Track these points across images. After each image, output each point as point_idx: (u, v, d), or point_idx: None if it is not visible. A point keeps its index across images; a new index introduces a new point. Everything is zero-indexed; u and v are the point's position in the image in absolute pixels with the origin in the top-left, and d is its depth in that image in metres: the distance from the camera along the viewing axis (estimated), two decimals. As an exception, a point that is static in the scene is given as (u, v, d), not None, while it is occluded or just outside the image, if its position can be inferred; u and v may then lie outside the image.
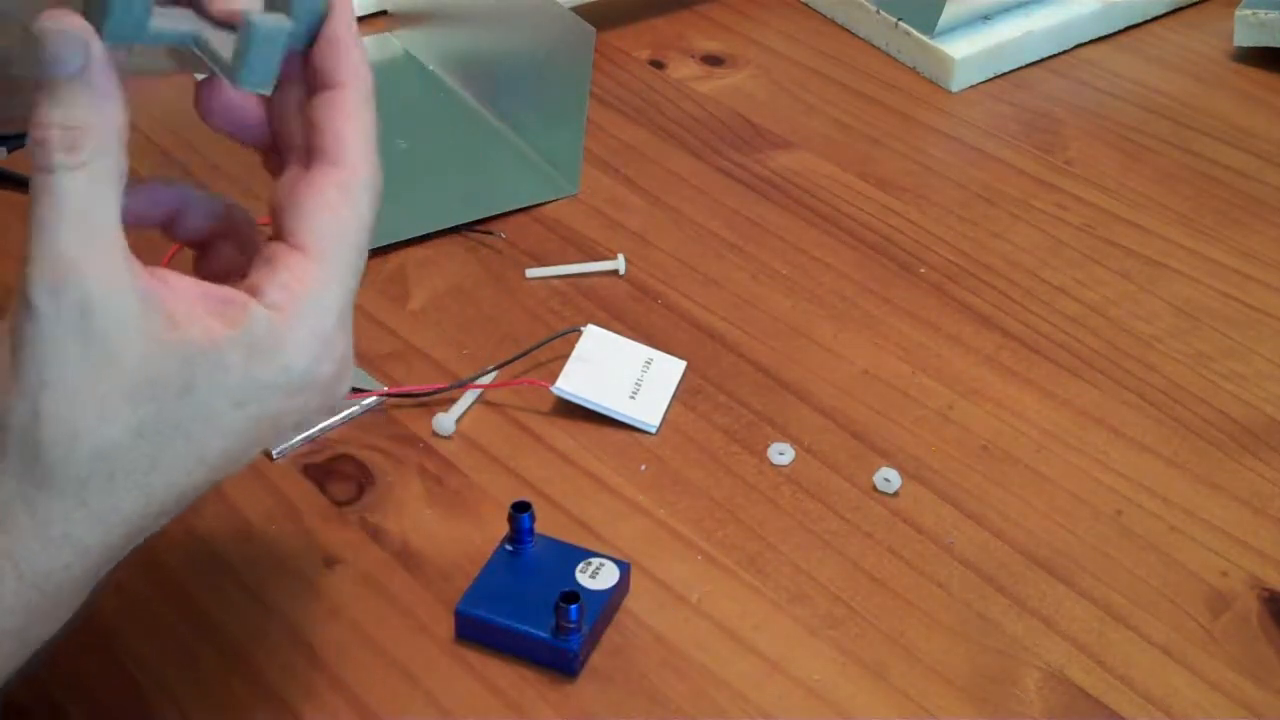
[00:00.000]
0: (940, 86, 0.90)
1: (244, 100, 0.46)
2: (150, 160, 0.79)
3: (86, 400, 0.40)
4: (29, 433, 0.39)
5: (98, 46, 0.40)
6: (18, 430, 0.39)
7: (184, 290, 0.41)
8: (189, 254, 0.49)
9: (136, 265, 0.41)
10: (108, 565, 0.42)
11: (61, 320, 0.39)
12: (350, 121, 0.44)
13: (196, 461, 0.42)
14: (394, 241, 0.74)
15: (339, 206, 0.43)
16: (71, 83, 0.40)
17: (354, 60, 0.44)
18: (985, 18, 0.93)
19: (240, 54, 0.42)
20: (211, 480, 0.43)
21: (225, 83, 0.43)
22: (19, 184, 0.62)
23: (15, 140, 0.54)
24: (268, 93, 0.45)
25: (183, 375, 0.40)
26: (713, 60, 0.92)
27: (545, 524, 0.58)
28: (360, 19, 0.92)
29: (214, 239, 0.48)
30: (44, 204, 0.39)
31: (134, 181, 0.42)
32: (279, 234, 0.44)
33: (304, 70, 0.45)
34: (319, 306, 0.42)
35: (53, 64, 0.40)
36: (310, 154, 0.44)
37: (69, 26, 0.40)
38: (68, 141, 0.40)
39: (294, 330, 0.42)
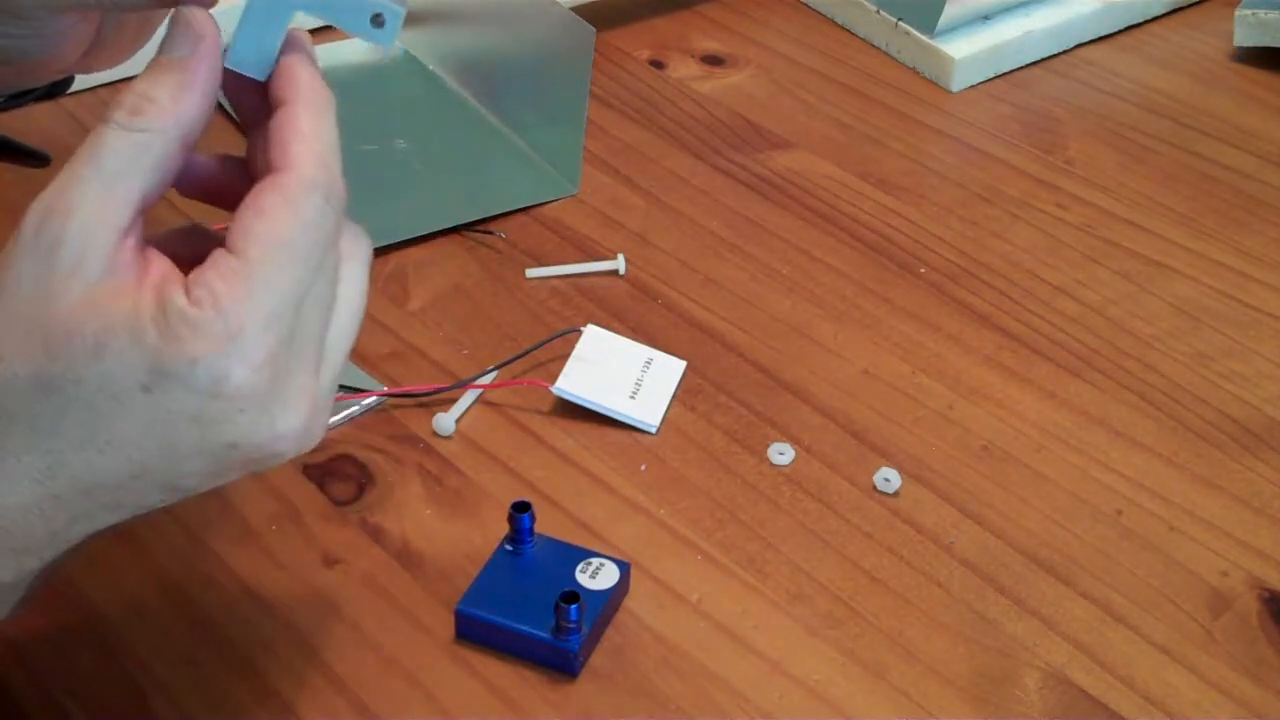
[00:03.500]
0: (940, 86, 0.90)
1: (207, 168, 0.46)
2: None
3: (12, 331, 0.40)
4: None
5: (209, 47, 0.43)
6: None
7: (147, 273, 0.41)
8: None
9: (130, 246, 0.41)
10: (28, 539, 0.42)
11: (34, 251, 0.40)
12: (295, 129, 0.43)
13: (106, 441, 0.41)
14: (394, 241, 0.74)
15: (272, 209, 0.42)
16: (170, 64, 0.42)
17: (301, 78, 0.44)
18: (985, 18, 0.93)
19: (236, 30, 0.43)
20: (135, 477, 0.42)
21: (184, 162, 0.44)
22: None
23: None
24: (260, 77, 0.45)
25: (97, 339, 0.40)
26: (713, 60, 0.92)
27: (545, 524, 0.58)
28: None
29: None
30: (84, 148, 0.41)
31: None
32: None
33: (264, 103, 0.45)
34: (236, 307, 0.41)
35: (167, 41, 0.43)
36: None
37: (195, 19, 0.43)
38: (135, 106, 0.41)
39: (205, 325, 0.40)
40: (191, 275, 0.41)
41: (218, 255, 0.41)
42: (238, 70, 0.44)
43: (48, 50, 0.48)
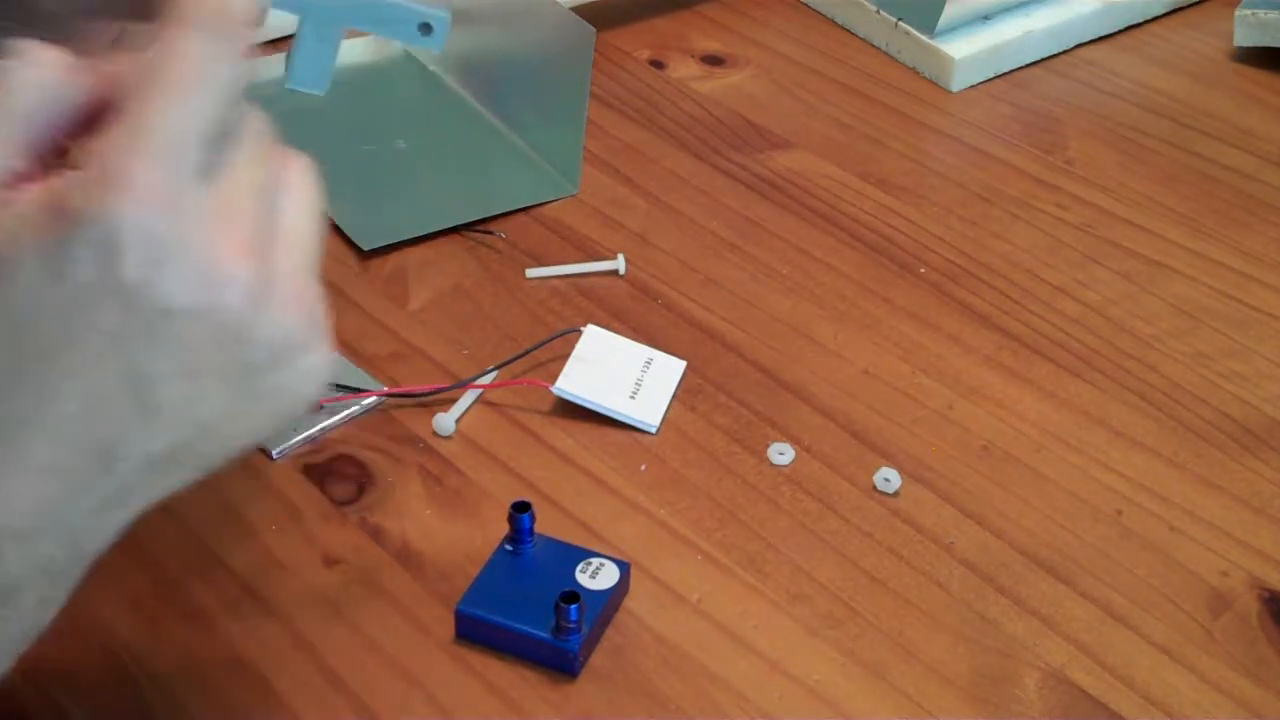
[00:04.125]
0: (940, 86, 0.90)
1: None
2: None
3: None
4: None
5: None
6: None
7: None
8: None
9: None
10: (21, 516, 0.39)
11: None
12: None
13: (47, 361, 0.37)
14: (394, 241, 0.74)
15: (146, 58, 0.38)
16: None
17: None
18: (985, 18, 0.93)
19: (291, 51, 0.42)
20: (100, 399, 0.38)
21: None
22: None
23: None
24: (320, 92, 0.45)
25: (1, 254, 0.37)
26: (713, 60, 0.92)
27: (545, 524, 0.58)
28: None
29: None
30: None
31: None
32: None
33: None
34: (114, 152, 0.37)
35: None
36: None
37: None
38: (22, 46, 0.39)
39: (86, 181, 0.37)
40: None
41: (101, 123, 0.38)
42: (300, 90, 0.44)
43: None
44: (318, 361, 0.41)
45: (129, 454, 0.39)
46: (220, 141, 0.39)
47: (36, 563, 0.40)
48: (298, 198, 0.41)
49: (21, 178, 0.38)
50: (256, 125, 0.40)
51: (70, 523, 0.40)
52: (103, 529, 0.41)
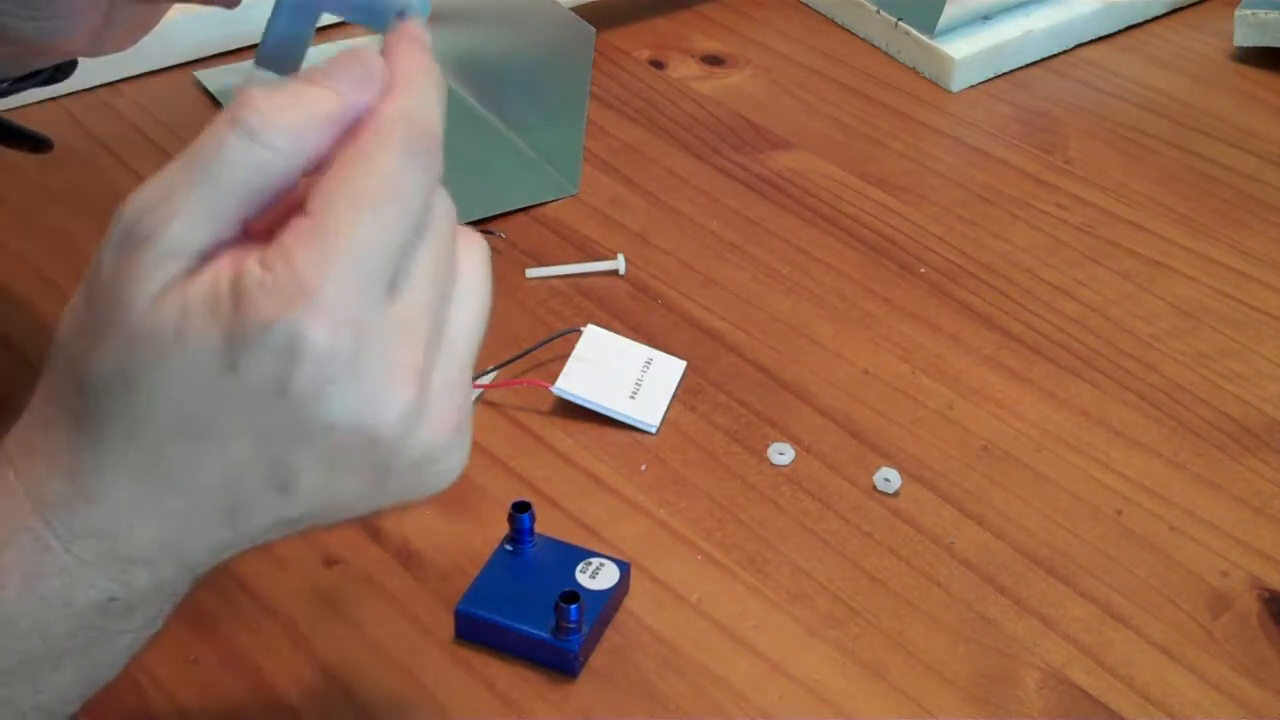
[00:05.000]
0: (940, 86, 0.90)
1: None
2: (153, 160, 0.79)
3: (94, 325, 0.38)
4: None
5: (372, 97, 0.39)
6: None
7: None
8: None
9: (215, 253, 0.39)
10: (135, 546, 0.40)
11: (122, 243, 0.38)
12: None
13: (197, 429, 0.39)
14: (394, 241, 0.74)
15: (348, 163, 0.39)
16: (325, 95, 0.39)
17: (405, 52, 0.41)
18: (985, 18, 0.93)
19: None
20: (237, 470, 0.39)
21: None
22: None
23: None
24: (292, 78, 0.44)
25: (177, 324, 0.38)
26: (713, 60, 0.92)
27: (545, 524, 0.58)
28: (360, 19, 0.92)
29: None
30: (204, 147, 0.38)
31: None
32: None
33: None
34: (310, 264, 0.37)
35: (336, 67, 0.39)
36: None
37: (374, 68, 0.39)
38: (268, 120, 0.38)
39: (278, 287, 0.37)
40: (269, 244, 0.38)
41: (293, 219, 0.38)
42: (267, 70, 0.44)
43: (57, 31, 0.48)
44: (457, 464, 0.41)
45: (257, 518, 0.41)
46: (411, 247, 0.39)
47: (159, 584, 0.42)
48: (469, 299, 0.42)
49: (215, 250, 0.38)
50: (444, 211, 0.40)
51: (189, 560, 0.42)
52: (216, 559, 0.43)
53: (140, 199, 0.38)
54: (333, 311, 0.37)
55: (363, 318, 0.38)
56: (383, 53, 0.41)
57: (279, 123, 0.38)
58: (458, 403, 0.41)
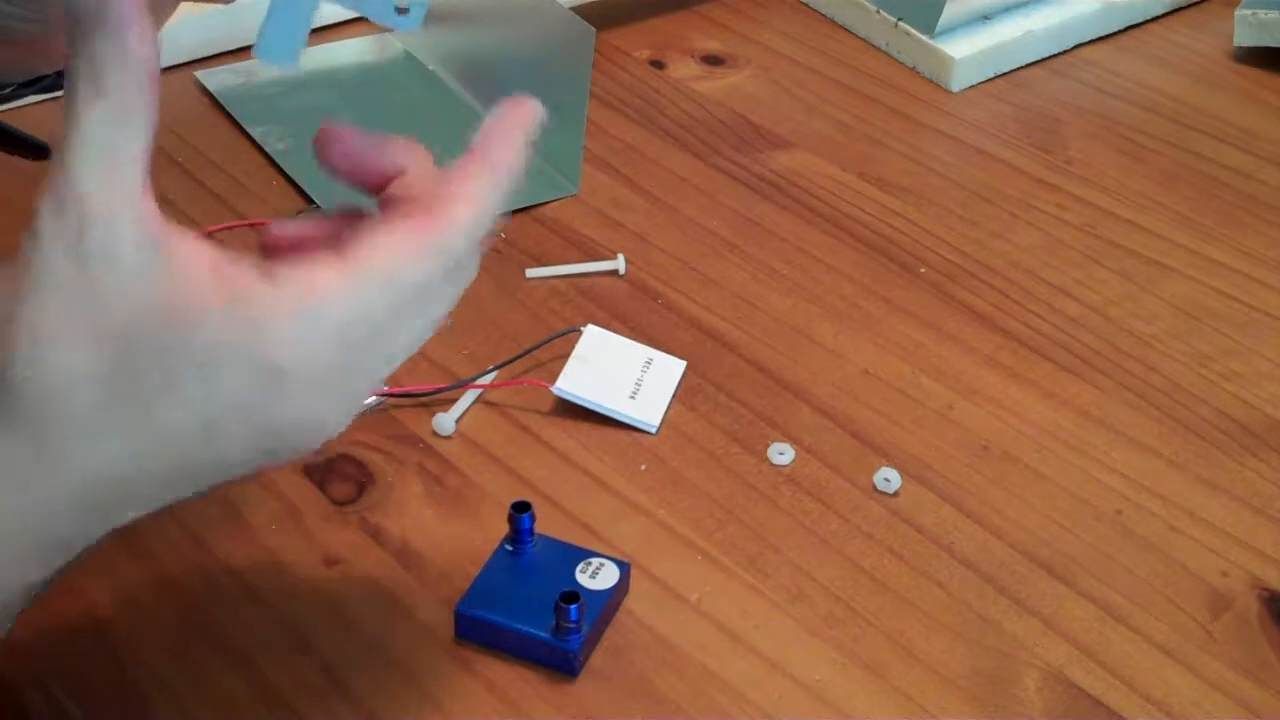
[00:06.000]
0: (940, 86, 0.90)
1: (364, 148, 0.45)
2: (152, 161, 0.79)
3: (61, 328, 0.39)
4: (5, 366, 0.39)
5: None
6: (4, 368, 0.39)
7: (198, 250, 0.40)
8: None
9: (151, 208, 0.40)
10: (59, 536, 0.41)
11: (60, 238, 0.39)
12: (464, 183, 0.44)
13: (153, 435, 0.40)
14: (394, 241, 0.74)
15: (399, 239, 0.42)
16: (97, 18, 0.40)
17: (502, 139, 0.46)
18: (985, 18, 0.93)
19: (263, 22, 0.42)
20: (205, 437, 0.41)
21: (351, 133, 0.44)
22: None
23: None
24: (288, 66, 0.45)
25: (163, 329, 0.39)
26: (713, 60, 0.92)
27: (545, 524, 0.58)
28: (360, 19, 0.92)
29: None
30: (68, 134, 0.40)
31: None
32: None
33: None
34: (320, 305, 0.41)
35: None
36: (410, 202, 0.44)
37: None
38: (91, 73, 0.40)
39: (283, 314, 0.40)
40: (284, 266, 0.41)
41: (321, 255, 0.42)
42: (265, 61, 0.44)
43: (56, 31, 0.48)
44: (334, 407, 0.44)
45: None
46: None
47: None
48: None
49: (143, 199, 0.41)
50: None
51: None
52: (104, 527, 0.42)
53: (49, 199, 0.40)
54: (318, 363, 0.41)
55: (340, 379, 0.43)
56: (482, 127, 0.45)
57: (99, 66, 0.40)
58: (354, 357, 0.43)
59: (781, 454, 0.63)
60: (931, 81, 0.91)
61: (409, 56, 0.90)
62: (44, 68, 0.54)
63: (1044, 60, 0.93)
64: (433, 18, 0.94)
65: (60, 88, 0.58)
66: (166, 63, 0.89)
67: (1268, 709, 0.54)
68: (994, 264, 0.75)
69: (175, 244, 0.40)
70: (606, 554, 0.57)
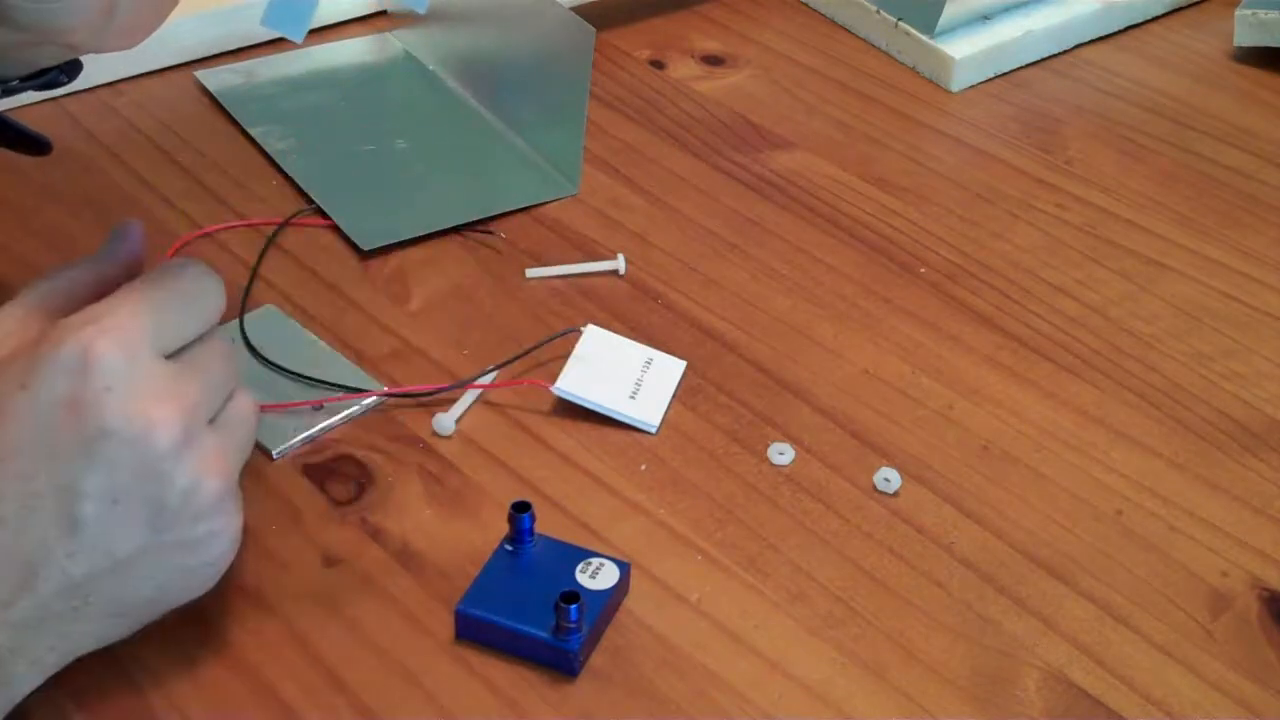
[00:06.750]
0: (940, 86, 0.90)
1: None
2: (152, 161, 0.79)
3: None
4: None
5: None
6: None
7: None
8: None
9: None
10: None
11: None
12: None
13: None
14: (394, 241, 0.74)
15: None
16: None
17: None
18: (985, 18, 0.93)
19: None
20: (31, 491, 0.46)
21: None
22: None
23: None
24: (296, 38, 0.47)
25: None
26: (713, 60, 0.92)
27: (545, 524, 0.58)
28: (360, 19, 0.92)
29: None
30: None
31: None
32: None
33: None
34: (102, 309, 0.47)
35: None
36: None
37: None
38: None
39: (74, 322, 0.47)
40: None
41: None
42: (272, 29, 0.44)
43: (63, 19, 0.48)
44: (227, 530, 0.50)
45: (49, 574, 0.46)
46: (192, 346, 0.50)
47: None
48: (241, 413, 0.52)
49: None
50: (223, 350, 0.51)
51: None
52: (20, 659, 0.48)
53: None
54: (113, 331, 0.46)
55: (140, 347, 0.47)
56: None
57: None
58: (226, 463, 0.49)
59: (781, 454, 0.63)
60: (931, 81, 0.91)
61: (409, 56, 0.90)
62: (47, 60, 0.54)
63: (1044, 60, 0.93)
64: (433, 17, 0.95)
65: (60, 84, 0.58)
66: (166, 63, 0.90)
67: (1268, 709, 0.54)
68: (994, 264, 0.75)
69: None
70: (606, 554, 0.57)
